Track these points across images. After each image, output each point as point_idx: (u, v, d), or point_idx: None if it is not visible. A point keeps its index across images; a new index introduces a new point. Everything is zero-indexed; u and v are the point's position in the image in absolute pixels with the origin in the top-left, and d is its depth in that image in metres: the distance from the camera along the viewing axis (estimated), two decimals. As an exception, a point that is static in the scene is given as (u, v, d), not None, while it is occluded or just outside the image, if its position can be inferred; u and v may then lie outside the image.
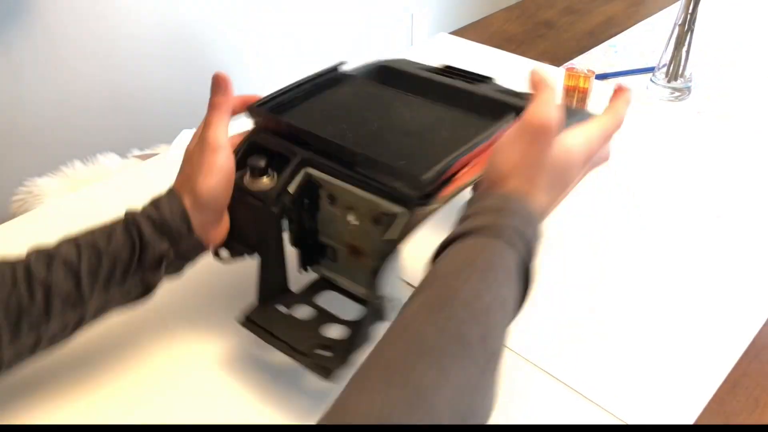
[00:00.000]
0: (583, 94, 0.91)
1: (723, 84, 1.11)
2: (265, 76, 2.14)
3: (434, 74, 0.69)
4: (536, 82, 0.50)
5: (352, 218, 0.58)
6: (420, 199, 0.52)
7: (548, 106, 0.48)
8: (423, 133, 0.60)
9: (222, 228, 0.59)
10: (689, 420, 0.58)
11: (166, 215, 0.55)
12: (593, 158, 0.52)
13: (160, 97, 1.89)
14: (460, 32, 1.29)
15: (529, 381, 0.61)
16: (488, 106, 0.61)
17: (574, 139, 0.50)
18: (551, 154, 0.48)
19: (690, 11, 0.99)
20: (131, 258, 0.54)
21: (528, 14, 1.37)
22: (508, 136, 0.49)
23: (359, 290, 0.61)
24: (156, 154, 1.01)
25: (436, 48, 1.23)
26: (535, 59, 1.17)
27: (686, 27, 1.01)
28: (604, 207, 0.64)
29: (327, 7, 2.21)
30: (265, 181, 0.59)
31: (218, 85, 0.59)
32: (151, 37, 1.81)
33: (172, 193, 0.57)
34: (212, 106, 0.59)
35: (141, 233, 0.54)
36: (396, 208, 0.53)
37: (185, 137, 1.40)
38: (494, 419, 0.57)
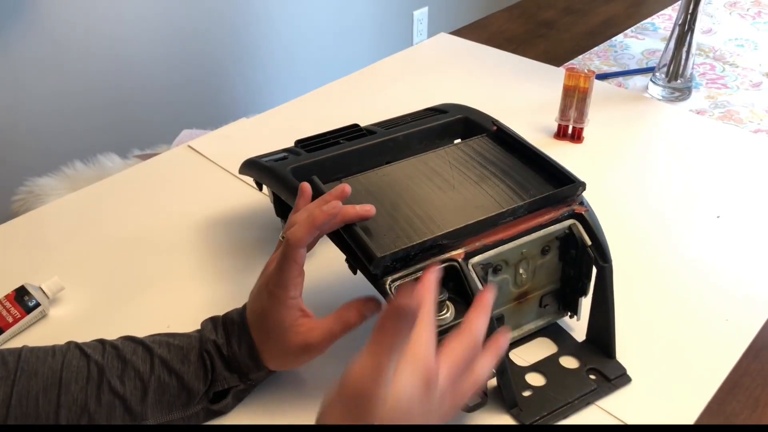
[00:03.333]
0: (583, 94, 0.91)
1: (723, 84, 1.11)
2: (266, 76, 2.14)
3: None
4: (377, 328, 0.38)
5: (522, 270, 0.59)
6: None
7: (370, 364, 0.38)
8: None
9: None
10: (689, 420, 0.58)
11: (235, 351, 0.54)
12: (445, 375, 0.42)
13: (160, 97, 1.89)
14: (460, 32, 1.29)
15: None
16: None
17: (400, 381, 0.39)
18: (379, 418, 0.38)
19: (690, 11, 0.99)
20: (200, 388, 0.54)
21: (528, 14, 1.37)
22: (329, 401, 0.40)
23: (529, 328, 0.63)
24: (156, 154, 1.01)
25: (436, 48, 1.23)
26: (535, 59, 1.17)
27: (686, 27, 1.00)
28: (603, 207, 0.64)
29: (327, 7, 2.21)
30: (446, 316, 0.53)
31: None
32: (151, 38, 1.81)
33: (244, 329, 0.54)
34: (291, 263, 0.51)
35: (213, 366, 0.54)
36: (567, 222, 0.58)
37: (185, 137, 1.40)
38: (492, 419, 0.57)
